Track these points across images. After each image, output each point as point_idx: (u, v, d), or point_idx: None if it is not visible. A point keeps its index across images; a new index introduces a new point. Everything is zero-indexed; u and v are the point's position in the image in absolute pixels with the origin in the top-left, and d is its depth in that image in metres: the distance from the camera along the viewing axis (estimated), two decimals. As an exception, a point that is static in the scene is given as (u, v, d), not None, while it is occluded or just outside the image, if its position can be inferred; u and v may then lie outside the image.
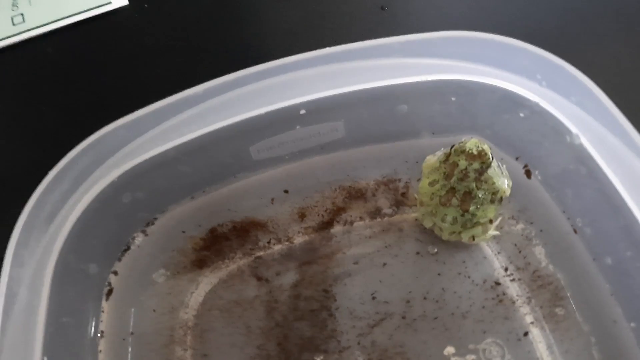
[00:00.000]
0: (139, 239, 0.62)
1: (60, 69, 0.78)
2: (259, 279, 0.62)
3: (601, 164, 0.52)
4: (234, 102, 0.56)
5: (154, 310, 0.60)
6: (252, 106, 0.56)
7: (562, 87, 0.54)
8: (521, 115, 0.58)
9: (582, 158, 0.53)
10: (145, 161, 0.56)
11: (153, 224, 0.63)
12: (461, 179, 0.57)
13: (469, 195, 0.57)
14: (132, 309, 0.60)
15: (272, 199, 0.65)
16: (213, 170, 0.63)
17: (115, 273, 0.61)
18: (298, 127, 0.60)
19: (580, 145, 0.53)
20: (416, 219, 0.63)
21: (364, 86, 0.57)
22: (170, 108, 0.56)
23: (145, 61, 0.78)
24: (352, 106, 0.59)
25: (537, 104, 0.56)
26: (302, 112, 0.57)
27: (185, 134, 0.56)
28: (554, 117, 0.55)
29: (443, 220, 0.59)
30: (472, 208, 0.57)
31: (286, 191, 0.66)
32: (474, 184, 0.57)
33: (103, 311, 0.58)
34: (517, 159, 0.62)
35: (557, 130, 0.55)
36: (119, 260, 0.61)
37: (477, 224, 0.59)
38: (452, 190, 0.58)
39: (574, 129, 0.53)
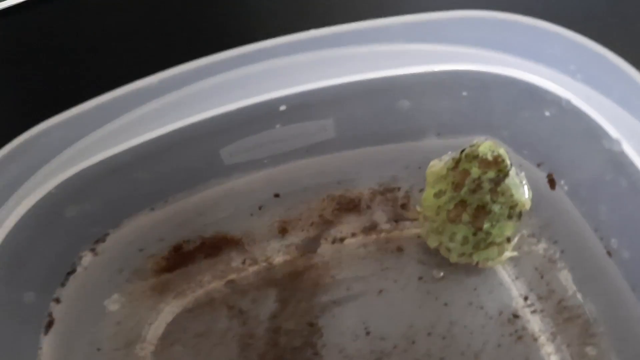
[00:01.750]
0: (87, 259, 0.56)
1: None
2: (232, 307, 0.57)
3: (649, 177, 0.46)
4: (199, 96, 0.51)
5: (105, 346, 0.54)
6: (221, 101, 0.52)
7: (602, 81, 0.48)
8: (547, 113, 0.53)
9: (623, 168, 0.48)
10: (92, 167, 0.51)
11: (104, 240, 0.57)
12: (473, 191, 0.52)
13: (482, 210, 0.52)
14: (78, 345, 0.54)
15: (248, 211, 0.60)
16: (176, 177, 0.57)
17: (58, 301, 0.54)
18: (278, 126, 0.55)
19: (622, 153, 0.48)
20: (419, 236, 0.58)
21: (357, 77, 0.52)
22: (120, 103, 0.50)
23: (91, 46, 0.71)
24: (343, 101, 0.54)
25: (568, 101, 0.50)
26: (283, 108, 0.53)
27: (140, 134, 0.51)
28: (589, 117, 0.49)
29: (451, 240, 0.54)
30: (486, 225, 0.52)
31: (264, 203, 0.61)
32: (488, 197, 0.51)
33: (41, 348, 0.52)
34: (538, 165, 0.57)
35: (593, 133, 0.49)
36: (63, 285, 0.55)
37: (491, 244, 0.54)
38: (463, 203, 0.52)
39: (614, 133, 0.48)
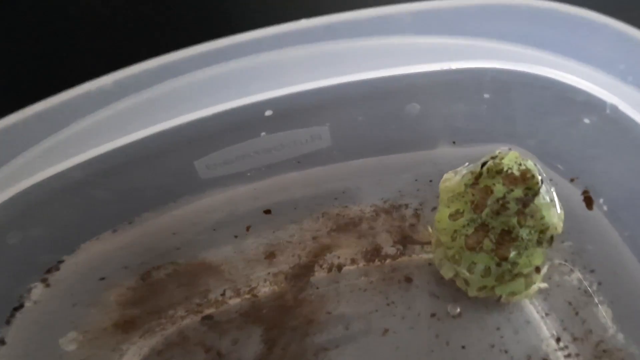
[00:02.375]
0: (37, 291, 0.52)
1: None
2: (209, 349, 0.52)
3: None
4: (166, 100, 0.48)
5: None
6: (193, 105, 0.47)
7: None
8: (586, 121, 0.49)
9: None
10: (36, 186, 0.47)
11: (57, 269, 0.52)
12: (497, 212, 0.47)
13: (508, 236, 0.48)
14: (27, 393, 0.50)
15: (229, 233, 0.56)
16: (142, 194, 0.53)
17: (2, 342, 0.50)
18: (263, 133, 0.51)
19: None
20: (430, 263, 0.54)
21: (358, 77, 0.48)
22: (67, 109, 0.46)
23: (32, 42, 0.64)
24: (341, 105, 0.51)
25: (614, 107, 0.46)
26: (268, 113, 0.49)
27: (93, 146, 0.47)
28: None
29: (470, 271, 0.50)
30: (512, 254, 0.48)
31: (247, 223, 0.57)
32: (515, 220, 0.47)
33: (-17, 397, 0.48)
34: (572, 180, 0.53)
35: None
36: (8, 323, 0.50)
37: (518, 275, 0.50)
38: (484, 227, 0.48)
39: None
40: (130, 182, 0.51)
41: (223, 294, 0.54)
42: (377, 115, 0.52)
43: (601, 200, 0.52)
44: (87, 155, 0.47)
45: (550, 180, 0.52)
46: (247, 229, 0.56)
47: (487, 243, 0.48)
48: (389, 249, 0.55)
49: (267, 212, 0.55)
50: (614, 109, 0.46)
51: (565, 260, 0.54)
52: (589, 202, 0.52)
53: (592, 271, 0.53)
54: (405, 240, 0.55)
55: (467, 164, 0.51)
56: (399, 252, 0.55)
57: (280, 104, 0.48)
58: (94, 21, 0.64)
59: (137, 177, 0.51)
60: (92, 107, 0.45)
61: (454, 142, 0.55)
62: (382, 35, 0.47)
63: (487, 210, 0.47)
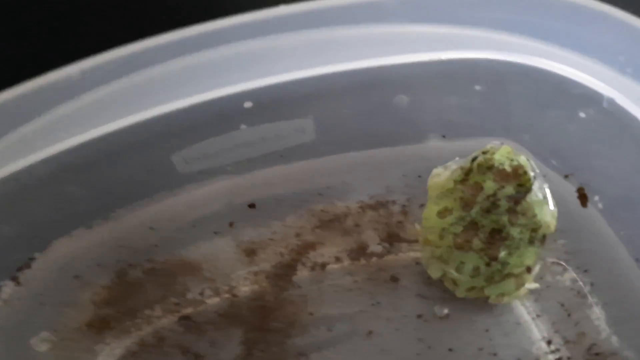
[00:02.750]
0: (8, 290, 0.50)
1: None
2: (186, 351, 0.51)
3: None
4: (140, 90, 0.46)
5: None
6: (169, 96, 0.46)
7: None
8: (582, 115, 0.48)
9: None
10: (3, 181, 0.46)
11: (29, 267, 0.51)
12: (487, 210, 0.46)
13: (498, 235, 0.47)
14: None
15: (209, 229, 0.55)
16: (118, 189, 0.52)
17: None
18: (243, 126, 0.50)
19: None
20: (418, 262, 0.53)
21: (343, 67, 0.47)
22: (34, 99, 0.44)
23: None
24: (325, 96, 0.50)
25: (611, 100, 0.45)
26: (248, 104, 0.48)
27: (64, 138, 0.45)
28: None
29: (459, 271, 0.49)
30: (502, 254, 0.47)
31: (228, 219, 0.55)
32: (506, 218, 0.46)
33: (-49, 401, 0.47)
34: (567, 177, 0.52)
35: None
36: None
37: (508, 275, 0.49)
38: (474, 226, 0.47)
39: None
40: (103, 177, 0.50)
41: (202, 294, 0.53)
42: (363, 108, 0.51)
43: (596, 198, 0.51)
44: (55, 149, 0.45)
45: (544, 176, 0.51)
46: (231, 225, 0.54)
47: (477, 242, 0.47)
48: (375, 247, 0.54)
49: (252, 206, 0.54)
50: (612, 102, 0.45)
51: (558, 260, 0.53)
52: (583, 199, 0.51)
53: (586, 271, 0.52)
54: (392, 238, 0.54)
55: (457, 158, 0.50)
56: (385, 251, 0.54)
57: (261, 96, 0.46)
58: (56, 5, 0.62)
59: (110, 172, 0.49)
60: (58, 99, 0.44)
61: (444, 136, 0.53)
62: (367, 23, 0.45)
63: (476, 207, 0.46)
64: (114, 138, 0.46)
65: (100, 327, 0.52)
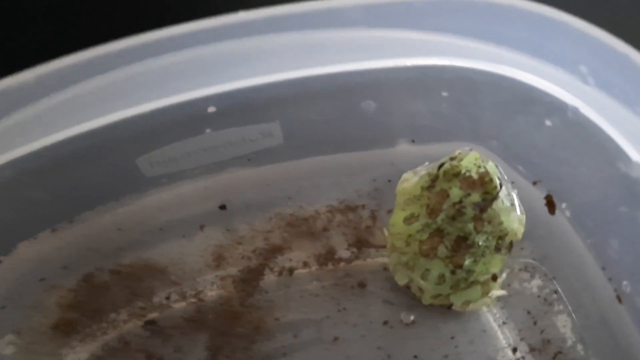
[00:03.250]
0: None
1: None
2: (150, 356, 0.50)
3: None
4: (99, 95, 0.44)
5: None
6: (131, 100, 0.44)
7: (623, 88, 0.42)
8: (548, 123, 0.47)
9: None
10: None
11: None
12: (453, 218, 0.46)
13: (463, 243, 0.47)
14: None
15: (176, 233, 0.54)
16: (83, 193, 0.50)
17: None
18: (208, 130, 0.49)
19: None
20: (386, 268, 0.52)
21: (308, 72, 0.46)
22: None
23: None
24: (290, 102, 0.48)
25: (575, 110, 0.44)
26: (211, 109, 0.46)
27: (23, 144, 0.44)
28: (603, 132, 0.43)
29: (424, 278, 0.48)
30: (467, 262, 0.47)
31: (195, 223, 0.54)
32: (471, 226, 0.46)
33: None
34: (535, 183, 0.52)
35: (606, 152, 0.43)
36: None
37: (474, 283, 0.49)
38: (439, 233, 0.47)
39: (635, 156, 0.42)
40: (66, 181, 0.48)
41: (168, 298, 0.52)
42: (330, 113, 0.50)
43: (564, 205, 0.50)
44: (15, 153, 0.44)
45: (513, 182, 0.51)
46: (200, 228, 0.53)
47: (442, 249, 0.47)
48: (343, 253, 0.53)
49: (223, 207, 0.53)
50: (576, 111, 0.44)
51: (526, 267, 0.53)
52: (551, 206, 0.51)
53: (552, 279, 0.52)
54: (360, 244, 0.53)
55: (427, 163, 0.49)
56: (353, 256, 0.53)
57: (224, 100, 0.45)
58: (12, 10, 0.60)
59: (73, 176, 0.48)
60: (16, 104, 0.42)
61: (413, 141, 0.52)
62: (332, 29, 0.44)
63: (442, 215, 0.46)
64: (76, 142, 0.44)
65: (65, 330, 0.51)
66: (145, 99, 0.44)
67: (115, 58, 0.42)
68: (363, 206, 0.54)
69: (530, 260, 0.53)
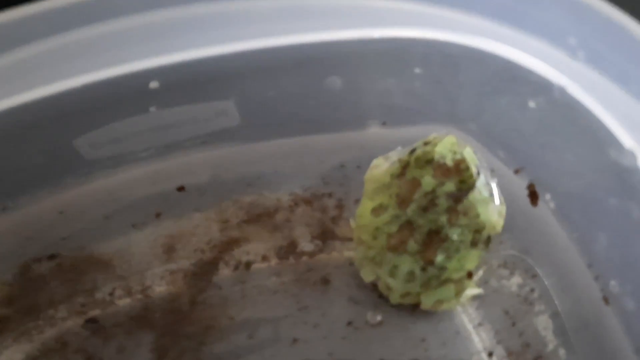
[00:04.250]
0: None
1: None
2: (90, 358, 0.47)
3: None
4: (24, 68, 0.40)
5: None
6: (58, 74, 0.40)
7: (617, 64, 0.38)
8: (531, 104, 0.44)
9: (636, 191, 0.39)
10: None
11: None
12: (425, 209, 0.43)
13: (436, 236, 0.44)
14: None
15: (122, 222, 0.51)
16: (15, 177, 0.47)
17: None
18: (152, 109, 0.45)
19: (636, 170, 0.39)
20: (351, 263, 0.49)
21: (264, 43, 0.43)
22: None
23: None
24: (244, 77, 0.45)
25: (562, 90, 0.41)
26: (154, 84, 0.43)
27: None
28: (592, 115, 0.40)
29: (392, 275, 0.45)
30: (439, 258, 0.44)
31: (143, 210, 0.51)
32: (444, 218, 0.43)
33: None
34: (517, 172, 0.49)
35: (596, 137, 0.40)
36: None
37: (447, 281, 0.45)
38: (409, 226, 0.44)
39: (628, 142, 0.39)
40: None
41: (112, 293, 0.48)
42: (290, 90, 0.47)
43: (548, 196, 0.47)
44: None
45: (492, 170, 0.47)
46: (151, 216, 0.50)
47: (412, 244, 0.43)
48: (306, 245, 0.50)
49: (162, 200, 0.49)
50: (562, 91, 0.41)
51: (505, 264, 0.50)
52: (534, 197, 0.48)
53: (534, 276, 0.49)
54: (325, 236, 0.50)
55: (399, 148, 0.46)
56: (317, 249, 0.50)
57: (168, 75, 0.42)
58: None
59: (1, 157, 0.44)
60: None
61: (384, 123, 0.49)
62: (288, -6, 0.40)
63: (413, 206, 0.43)
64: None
65: (-2, 328, 0.48)
66: (75, 72, 0.40)
67: (37, 23, 0.38)
68: (330, 194, 0.51)
69: (510, 256, 0.50)
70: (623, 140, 0.39)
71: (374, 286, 0.48)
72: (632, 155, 0.38)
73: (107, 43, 0.39)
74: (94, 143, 0.46)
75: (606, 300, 0.44)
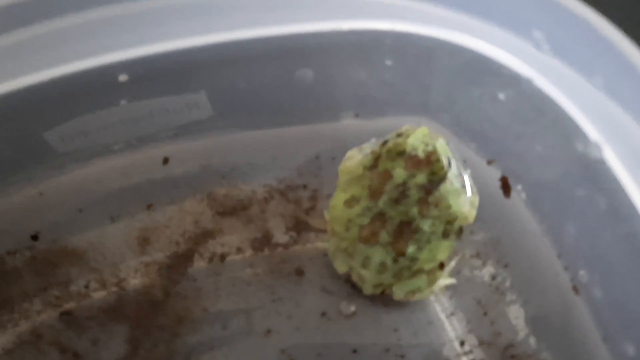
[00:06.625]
0: None
1: None
2: (65, 350, 0.47)
3: (635, 199, 0.38)
4: None
5: None
6: (24, 68, 0.40)
7: (582, 56, 0.38)
8: (501, 96, 0.44)
9: (602, 182, 0.40)
10: None
11: None
12: (396, 200, 0.43)
13: (407, 228, 0.44)
14: None
15: (95, 214, 0.50)
16: None
17: None
18: (123, 101, 0.45)
19: (602, 162, 0.39)
20: (325, 255, 0.49)
21: (237, 35, 0.43)
22: None
23: None
24: (215, 69, 0.45)
25: (529, 82, 0.41)
26: (123, 78, 0.43)
27: None
28: (559, 107, 0.40)
29: (364, 266, 0.45)
30: (411, 249, 0.44)
31: (116, 203, 0.50)
32: (416, 210, 0.43)
33: None
34: (490, 163, 0.49)
35: (562, 130, 0.41)
36: None
37: (418, 271, 0.45)
38: (381, 217, 0.44)
39: (593, 134, 0.39)
40: None
41: (87, 286, 0.48)
42: (261, 82, 0.46)
43: (519, 187, 0.47)
44: None
45: (465, 161, 0.47)
46: (124, 209, 0.50)
47: (384, 235, 0.43)
48: (280, 237, 0.50)
49: (136, 192, 0.49)
50: (529, 83, 0.41)
51: (477, 254, 0.50)
52: (506, 188, 0.48)
53: (505, 266, 0.49)
54: (299, 227, 0.50)
55: (373, 140, 0.46)
56: (292, 241, 0.50)
57: (137, 68, 0.42)
58: None
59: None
60: None
61: (357, 115, 0.49)
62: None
63: (384, 197, 0.43)
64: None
65: (-29, 322, 0.48)
66: (42, 66, 0.39)
67: (2, 17, 0.37)
68: (304, 186, 0.51)
69: (482, 246, 0.49)
70: (589, 132, 0.39)
71: (347, 277, 0.47)
72: (597, 147, 0.39)
73: (74, 36, 0.38)
74: (64, 136, 0.45)
75: (576, 289, 0.44)
